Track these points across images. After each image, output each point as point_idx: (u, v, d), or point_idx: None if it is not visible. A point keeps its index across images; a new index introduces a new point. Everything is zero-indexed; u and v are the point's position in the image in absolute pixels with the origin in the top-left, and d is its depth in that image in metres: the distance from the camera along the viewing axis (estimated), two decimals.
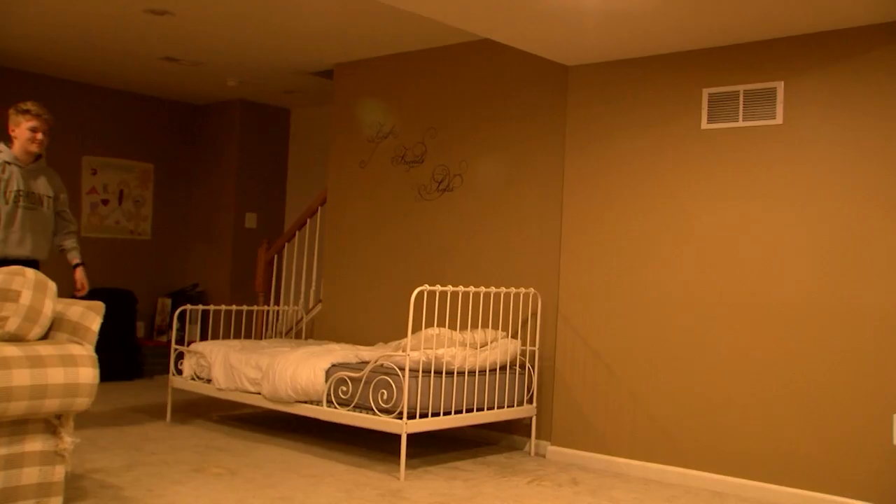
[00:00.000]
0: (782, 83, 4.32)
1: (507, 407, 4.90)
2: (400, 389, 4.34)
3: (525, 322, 5.16)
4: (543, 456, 4.99)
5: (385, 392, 4.42)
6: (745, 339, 4.34)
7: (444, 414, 4.56)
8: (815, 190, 4.19)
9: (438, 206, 5.78)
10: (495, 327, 5.12)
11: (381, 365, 4.53)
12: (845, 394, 4.02)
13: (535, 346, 5.09)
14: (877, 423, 3.93)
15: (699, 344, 4.49)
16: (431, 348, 4.56)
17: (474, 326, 5.09)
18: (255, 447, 4.88)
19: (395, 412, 4.37)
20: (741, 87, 4.45)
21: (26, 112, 4.58)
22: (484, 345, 4.90)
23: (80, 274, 4.93)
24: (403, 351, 4.49)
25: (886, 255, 3.96)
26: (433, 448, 5.01)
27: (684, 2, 3.88)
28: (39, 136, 4.61)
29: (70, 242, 4.94)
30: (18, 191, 4.59)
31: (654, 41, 4.53)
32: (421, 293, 4.53)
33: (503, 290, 5.01)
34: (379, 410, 4.43)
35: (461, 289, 4.76)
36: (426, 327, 4.79)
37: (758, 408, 4.28)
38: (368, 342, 5.86)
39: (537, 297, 5.11)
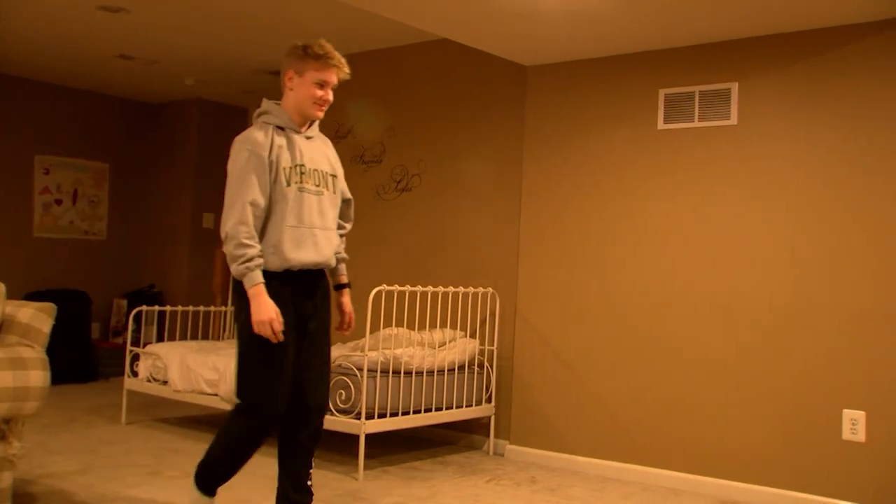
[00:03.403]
0: (737, 84, 4.37)
1: (466, 406, 4.90)
2: (358, 390, 4.32)
3: (483, 322, 5.17)
4: (502, 455, 5.00)
5: (343, 392, 4.40)
6: (701, 337, 4.39)
7: (403, 414, 4.55)
8: (769, 190, 4.25)
9: (397, 205, 5.76)
10: (454, 327, 5.12)
11: (339, 365, 4.50)
12: (798, 390, 4.09)
13: (493, 345, 5.10)
14: (828, 418, 3.99)
15: (656, 342, 4.53)
16: (389, 348, 4.54)
17: (433, 326, 5.08)
18: None
19: (353, 412, 4.35)
20: (697, 88, 4.50)
21: None
22: (442, 344, 4.90)
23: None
24: (361, 351, 4.47)
25: (839, 254, 4.03)
26: (392, 448, 5.00)
27: (641, 3, 3.91)
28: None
29: None
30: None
31: (611, 42, 4.57)
32: (379, 293, 4.51)
33: (461, 289, 5.02)
34: (337, 411, 4.41)
35: (419, 289, 4.75)
36: (384, 327, 4.78)
37: (714, 405, 4.33)
38: None
39: (496, 297, 5.12)
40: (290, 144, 2.96)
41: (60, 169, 7.76)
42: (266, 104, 3.04)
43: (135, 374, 5.53)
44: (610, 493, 4.24)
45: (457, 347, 4.88)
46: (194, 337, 6.50)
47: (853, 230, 3.99)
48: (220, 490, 3.16)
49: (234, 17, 5.46)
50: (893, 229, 3.89)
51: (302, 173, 2.94)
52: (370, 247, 5.85)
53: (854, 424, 3.92)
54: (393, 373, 4.50)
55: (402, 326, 4.96)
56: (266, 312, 2.80)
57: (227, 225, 2.84)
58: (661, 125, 4.60)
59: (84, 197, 7.94)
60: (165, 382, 5.30)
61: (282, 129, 2.97)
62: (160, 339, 6.56)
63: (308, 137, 3.04)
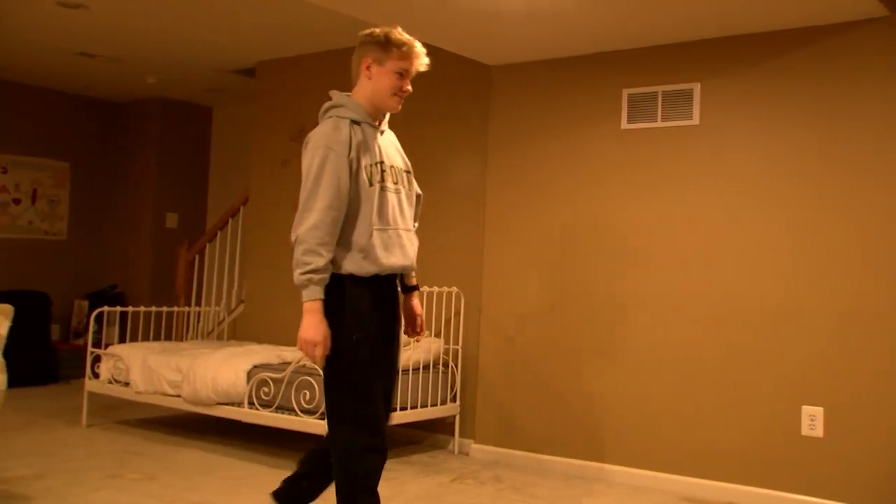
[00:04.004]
0: (699, 85, 4.42)
1: (431, 406, 4.90)
2: (322, 390, 4.30)
3: (448, 321, 5.17)
4: (467, 454, 5.01)
5: (307, 393, 4.38)
6: (663, 335, 4.42)
7: None
8: (730, 188, 4.29)
9: None
10: None
11: (304, 365, 4.48)
12: (758, 388, 4.14)
13: (458, 344, 5.11)
14: (787, 414, 4.05)
15: (620, 341, 4.56)
16: None
17: None
18: (174, 451, 4.78)
19: (317, 413, 4.33)
20: (659, 89, 4.53)
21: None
22: (407, 344, 4.89)
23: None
24: None
25: (798, 253, 4.08)
26: None
27: (604, 4, 3.93)
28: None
29: None
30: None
31: (575, 42, 4.59)
32: None
33: (426, 289, 5.01)
34: (301, 411, 4.39)
35: None
36: None
37: (676, 403, 4.37)
38: (292, 343, 5.74)
39: (460, 296, 5.12)
40: (369, 140, 2.72)
41: (19, 168, 7.63)
42: (338, 96, 2.81)
43: (96, 375, 5.47)
44: (574, 491, 4.26)
45: (421, 347, 4.88)
46: (157, 338, 6.45)
47: (813, 228, 4.05)
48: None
49: (196, 15, 5.40)
50: (852, 227, 3.95)
51: (382, 171, 2.71)
52: None
53: (812, 420, 3.98)
54: None
55: None
56: (318, 333, 2.53)
57: (300, 228, 2.56)
58: (624, 125, 4.63)
59: (44, 196, 7.82)
60: (127, 384, 5.24)
61: (357, 123, 2.72)
62: (122, 340, 6.47)
63: (381, 132, 2.82)
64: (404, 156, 2.92)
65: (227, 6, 5.19)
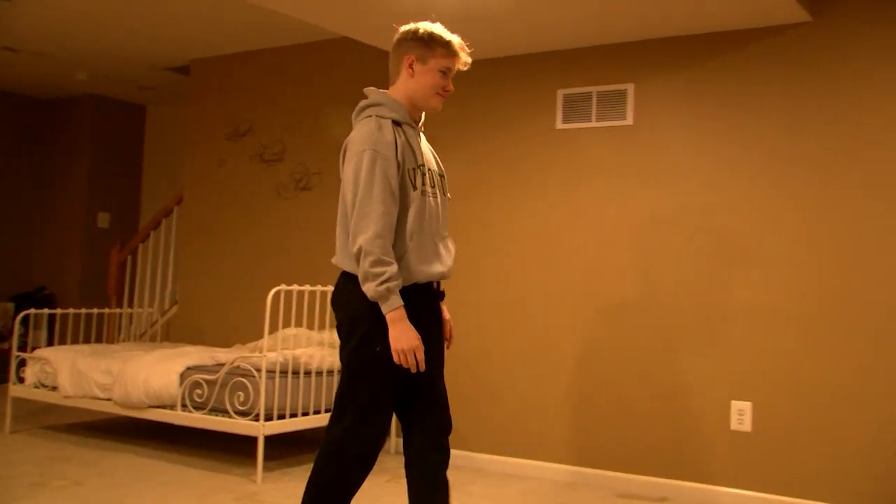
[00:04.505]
0: (632, 85, 4.47)
1: None
2: (257, 391, 4.25)
3: None
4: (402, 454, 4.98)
5: (242, 394, 4.32)
6: (595, 332, 4.47)
7: (303, 414, 4.49)
8: (663, 187, 4.36)
9: (298, 204, 5.69)
10: None
11: (238, 366, 4.42)
12: (688, 383, 4.21)
13: None
14: (717, 409, 4.12)
15: (552, 338, 4.59)
16: (289, 348, 4.48)
17: (333, 326, 5.03)
18: (104, 456, 4.67)
19: (251, 414, 4.27)
20: (594, 89, 4.58)
21: None
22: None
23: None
24: (260, 352, 4.39)
25: (728, 250, 4.16)
26: (293, 449, 4.93)
27: (538, 4, 3.96)
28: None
29: None
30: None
31: (509, 42, 4.61)
32: (278, 293, 4.45)
33: None
34: (235, 413, 4.33)
35: (319, 288, 4.70)
36: (284, 327, 4.72)
37: (609, 400, 4.41)
38: (227, 344, 5.71)
39: None
40: (411, 143, 2.59)
41: None
42: (375, 94, 2.65)
43: (21, 380, 5.31)
44: (509, 490, 4.28)
45: None
46: (87, 341, 6.29)
47: (741, 226, 4.13)
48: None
49: (126, 10, 5.29)
50: (780, 225, 4.04)
51: (423, 175, 2.58)
52: (271, 246, 5.76)
53: (741, 415, 4.06)
54: (293, 373, 4.44)
55: (303, 326, 4.91)
56: (411, 339, 2.43)
57: (361, 238, 2.41)
58: (559, 125, 4.67)
59: None
60: (55, 388, 5.10)
61: (397, 124, 2.59)
62: (50, 343, 6.31)
63: (420, 133, 2.70)
64: (438, 159, 2.80)
65: (161, 2, 5.09)
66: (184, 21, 5.43)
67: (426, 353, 2.54)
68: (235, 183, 6.00)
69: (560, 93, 4.66)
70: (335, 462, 2.57)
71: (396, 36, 2.72)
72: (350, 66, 5.53)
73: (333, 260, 2.66)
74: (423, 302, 2.60)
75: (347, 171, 2.51)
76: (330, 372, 4.62)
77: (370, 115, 2.58)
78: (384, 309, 2.42)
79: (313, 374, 4.54)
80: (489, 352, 4.78)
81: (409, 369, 2.50)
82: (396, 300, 2.42)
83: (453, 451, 4.91)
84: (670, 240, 4.31)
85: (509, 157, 4.81)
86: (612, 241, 4.47)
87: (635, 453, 4.32)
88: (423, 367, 2.48)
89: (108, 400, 4.82)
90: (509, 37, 4.51)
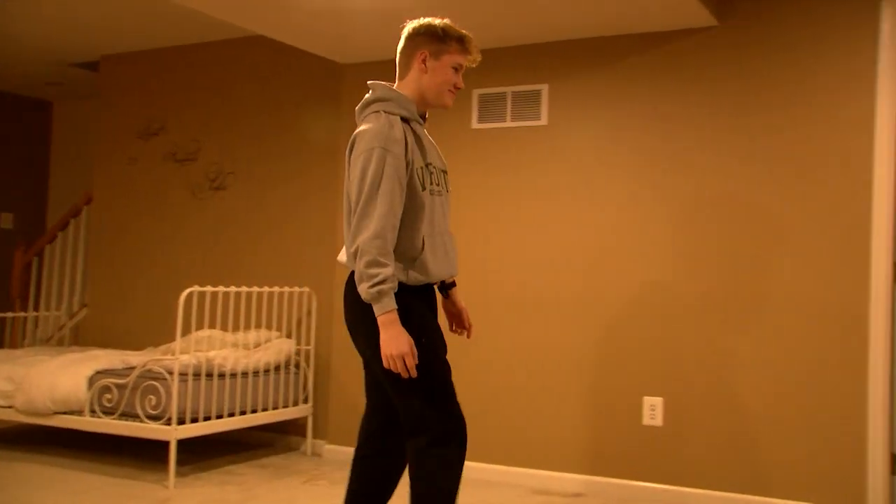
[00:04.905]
0: (547, 86, 4.53)
1: (283, 407, 4.82)
2: (169, 394, 4.16)
3: (300, 321, 5.10)
4: (320, 455, 4.95)
5: (153, 398, 4.22)
6: (509, 329, 4.51)
7: (217, 417, 4.42)
8: (576, 188, 4.43)
9: (212, 204, 5.60)
10: (270, 327, 5.03)
11: (149, 370, 4.32)
12: (601, 380, 4.28)
13: (310, 345, 5.05)
14: (629, 405, 4.21)
15: (473, 338, 4.61)
16: (202, 350, 4.40)
17: (248, 327, 4.97)
18: (6, 466, 4.50)
19: (163, 418, 4.18)
20: (509, 89, 4.63)
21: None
22: (257, 345, 4.80)
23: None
24: (172, 354, 4.30)
25: (640, 247, 4.25)
26: (208, 453, 4.84)
27: (452, 4, 3.97)
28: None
29: None
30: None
31: None
32: (190, 294, 4.37)
33: (277, 289, 4.93)
34: (147, 417, 4.23)
35: (233, 289, 4.63)
36: (198, 329, 4.63)
37: (523, 397, 4.46)
38: (139, 347, 5.57)
39: (312, 296, 5.07)
40: (418, 140, 2.53)
41: None
42: (382, 89, 2.57)
43: None
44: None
45: (272, 348, 4.80)
46: None
47: (654, 223, 4.23)
48: None
49: (33, 2, 5.11)
50: (691, 222, 4.15)
51: (431, 173, 2.55)
52: (184, 247, 5.65)
53: (653, 410, 4.16)
54: (206, 376, 4.37)
55: (217, 328, 4.83)
56: (402, 345, 2.39)
57: (360, 238, 2.37)
58: (475, 124, 4.70)
59: None
60: None
61: (406, 120, 2.53)
62: None
63: (424, 130, 2.65)
64: (441, 155, 2.73)
65: None
66: (90, 16, 5.27)
67: (440, 343, 2.61)
68: (147, 182, 5.87)
69: (475, 93, 4.70)
70: (447, 461, 2.58)
71: (407, 30, 2.66)
72: (265, 65, 5.46)
73: (339, 258, 2.64)
74: (432, 296, 2.68)
75: (355, 169, 2.45)
76: (245, 374, 4.56)
77: (378, 111, 2.51)
78: (376, 311, 2.39)
79: (227, 376, 4.47)
80: None
81: (446, 349, 2.60)
82: (389, 303, 2.38)
83: None
84: (581, 237, 4.38)
85: None
86: (527, 237, 4.52)
87: (550, 449, 4.37)
88: (413, 374, 2.45)
89: (10, 408, 4.65)
90: None
